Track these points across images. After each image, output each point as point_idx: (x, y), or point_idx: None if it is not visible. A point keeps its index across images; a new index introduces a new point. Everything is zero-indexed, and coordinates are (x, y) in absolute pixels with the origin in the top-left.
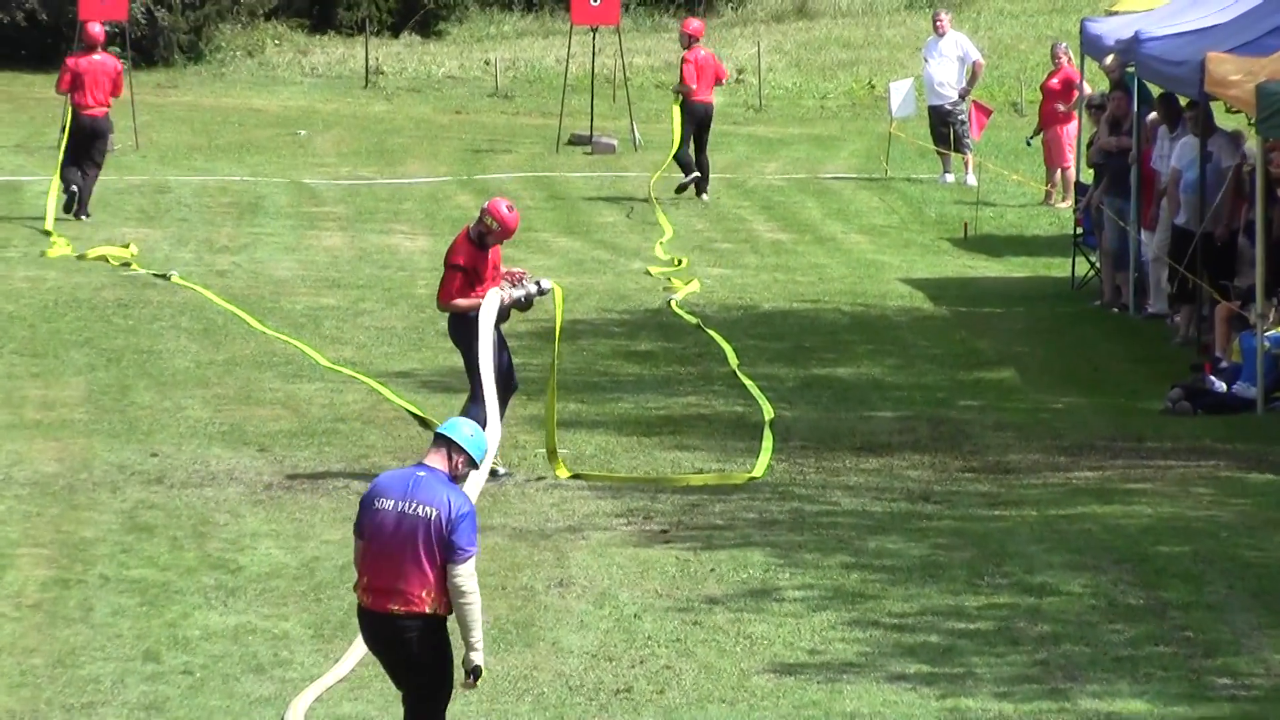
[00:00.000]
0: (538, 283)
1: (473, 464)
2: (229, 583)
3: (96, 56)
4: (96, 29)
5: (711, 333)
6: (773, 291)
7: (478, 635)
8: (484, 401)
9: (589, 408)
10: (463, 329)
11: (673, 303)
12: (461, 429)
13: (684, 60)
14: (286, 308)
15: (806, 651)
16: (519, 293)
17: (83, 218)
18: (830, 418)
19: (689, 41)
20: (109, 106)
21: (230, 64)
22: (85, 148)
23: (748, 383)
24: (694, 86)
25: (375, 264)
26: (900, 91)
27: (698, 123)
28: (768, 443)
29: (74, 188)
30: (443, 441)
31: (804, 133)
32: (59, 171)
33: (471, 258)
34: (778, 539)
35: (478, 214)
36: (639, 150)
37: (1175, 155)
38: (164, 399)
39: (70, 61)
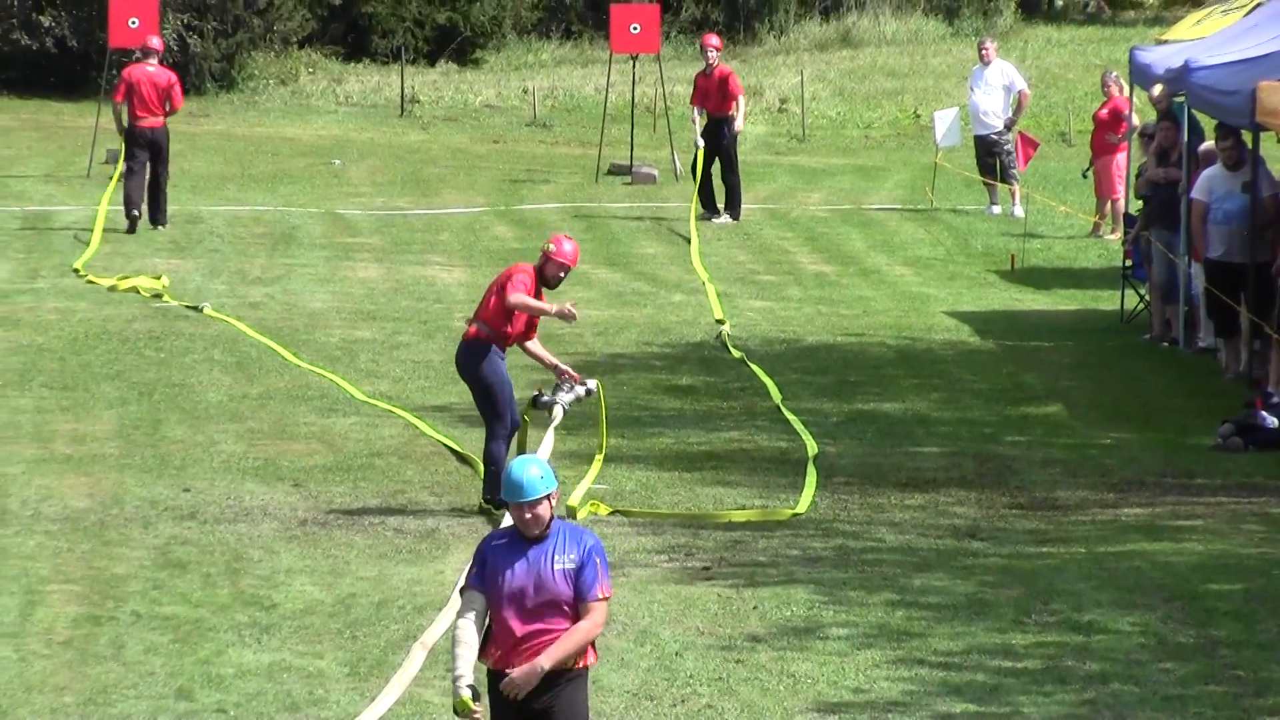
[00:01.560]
0: (585, 385)
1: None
2: (263, 620)
3: (150, 68)
4: (155, 41)
5: (754, 367)
6: (816, 325)
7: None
8: (505, 439)
9: (630, 443)
10: (475, 362)
11: (724, 333)
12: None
13: (733, 74)
14: (321, 340)
15: (851, 690)
16: (568, 397)
17: (160, 226)
18: (875, 453)
19: (716, 57)
20: (165, 117)
21: (263, 92)
22: (145, 160)
23: (791, 418)
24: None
25: (411, 296)
26: (945, 121)
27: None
28: (811, 479)
29: (135, 213)
30: None
31: (848, 163)
32: (111, 198)
33: (535, 287)
34: (821, 576)
35: (545, 256)
36: (680, 180)
37: (1197, 187)
38: (196, 433)
39: (126, 72)
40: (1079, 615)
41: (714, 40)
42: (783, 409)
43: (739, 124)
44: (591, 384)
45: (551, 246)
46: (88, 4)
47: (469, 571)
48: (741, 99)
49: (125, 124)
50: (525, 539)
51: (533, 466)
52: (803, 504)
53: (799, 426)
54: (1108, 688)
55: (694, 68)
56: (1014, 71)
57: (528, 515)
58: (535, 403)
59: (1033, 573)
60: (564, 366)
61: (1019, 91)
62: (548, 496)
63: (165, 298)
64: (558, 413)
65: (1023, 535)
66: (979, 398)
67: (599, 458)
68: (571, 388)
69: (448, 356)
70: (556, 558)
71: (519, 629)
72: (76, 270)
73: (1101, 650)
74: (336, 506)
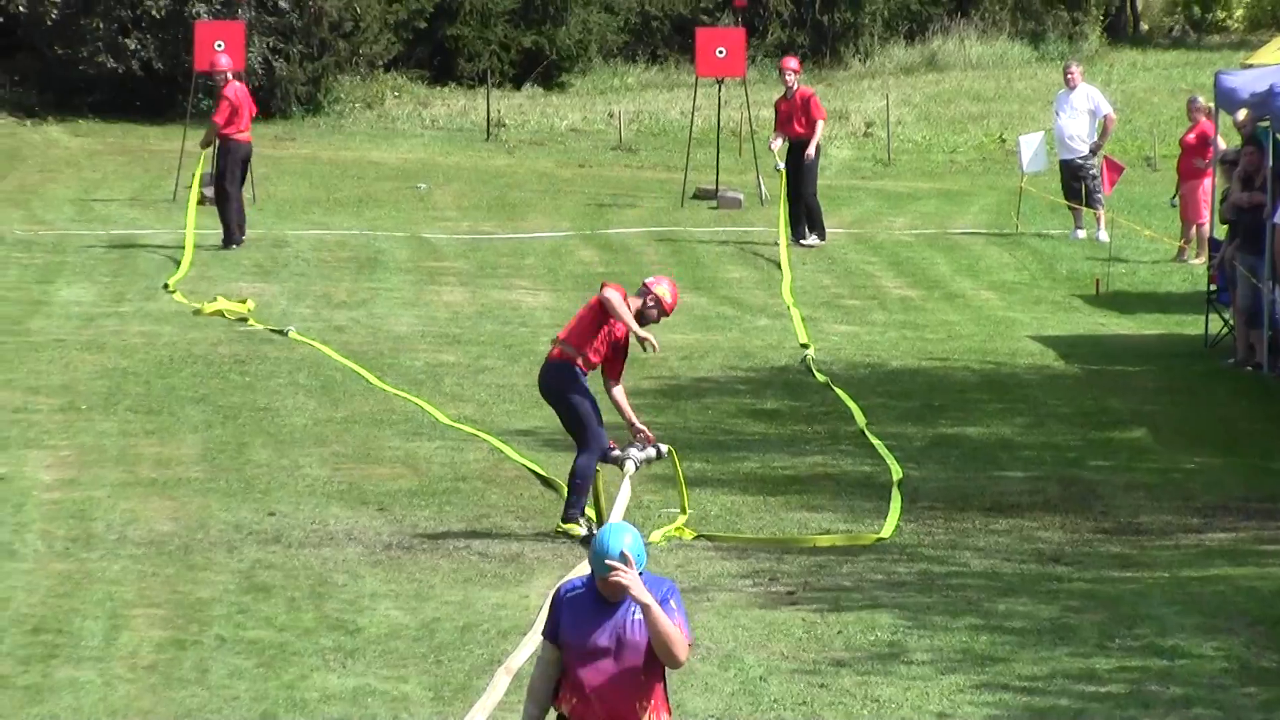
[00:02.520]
0: (657, 448)
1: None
2: (348, 644)
3: (238, 84)
4: (226, 60)
5: (839, 391)
6: (901, 349)
7: None
8: (595, 452)
9: (714, 467)
10: (559, 382)
11: (808, 357)
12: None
13: (814, 96)
14: (406, 364)
15: (935, 715)
16: (641, 455)
17: (233, 246)
18: (959, 478)
19: (797, 81)
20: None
21: (349, 116)
22: (238, 174)
23: (875, 442)
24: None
25: (497, 320)
26: (1030, 145)
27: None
28: (896, 503)
29: (234, 246)
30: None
31: (933, 187)
32: (197, 215)
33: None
34: (906, 601)
35: (646, 293)
36: (765, 205)
37: (1278, 212)
38: (281, 457)
39: (228, 91)
40: (1162, 640)
41: (792, 63)
42: (867, 433)
43: (809, 150)
44: (664, 447)
45: (667, 294)
46: (174, 27)
47: (546, 620)
48: (821, 124)
49: (205, 140)
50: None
51: (626, 536)
52: (887, 528)
53: (883, 451)
54: (1191, 712)
55: (779, 91)
56: (1099, 96)
57: (611, 591)
58: (605, 456)
59: (1117, 597)
60: (640, 425)
61: (1104, 116)
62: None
63: (250, 321)
64: (629, 468)
65: (1107, 560)
66: (1063, 422)
67: (682, 519)
68: (644, 447)
69: (533, 380)
70: (635, 609)
71: (596, 680)
72: (166, 286)
73: (1185, 675)
74: (421, 530)
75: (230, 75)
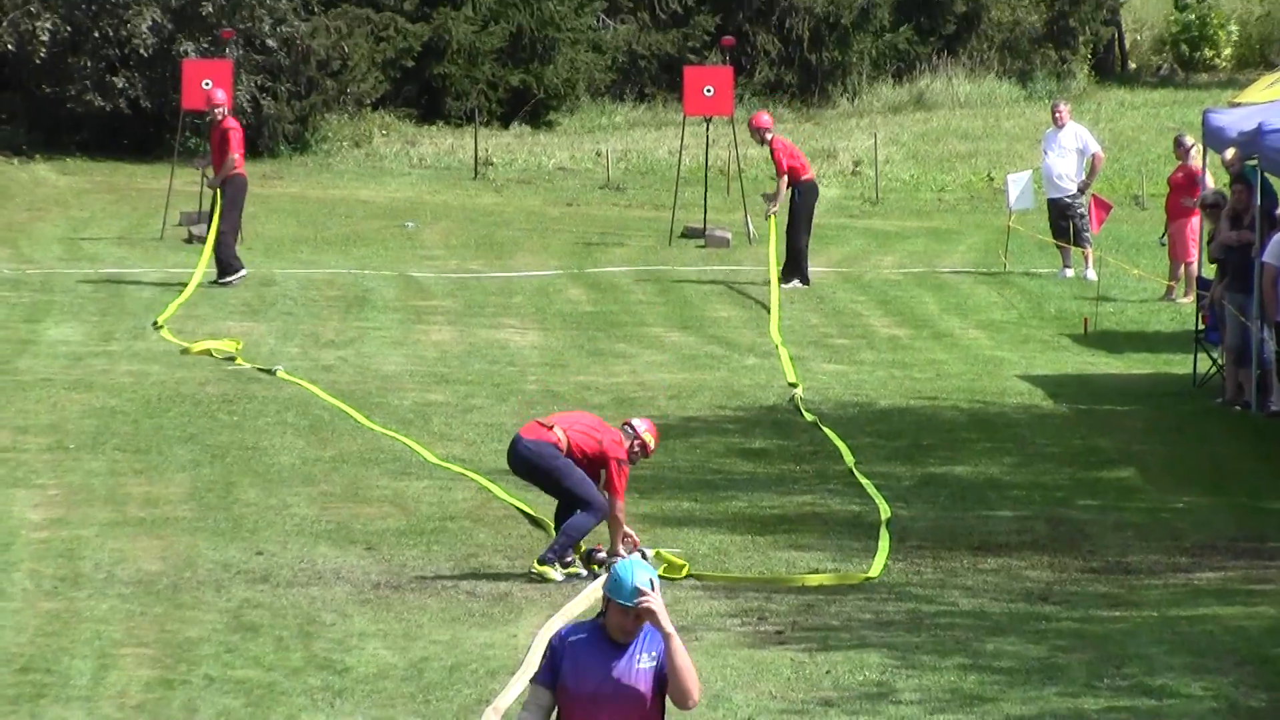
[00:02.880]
0: (643, 552)
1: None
2: (336, 684)
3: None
4: (221, 95)
5: (827, 430)
6: (889, 388)
7: None
8: (597, 514)
9: (703, 506)
10: (547, 460)
11: (797, 396)
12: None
13: (777, 147)
14: (394, 403)
15: None
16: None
17: (243, 271)
18: (948, 517)
19: (764, 135)
20: None
21: (337, 154)
22: (240, 208)
23: (864, 481)
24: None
25: (485, 359)
26: (1018, 184)
27: (811, 205)
28: (884, 542)
29: (241, 272)
30: None
31: (921, 225)
32: (213, 256)
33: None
34: (894, 640)
35: (633, 436)
36: (754, 244)
37: (1268, 251)
38: (269, 496)
39: (234, 124)
40: (1151, 679)
41: (760, 120)
42: (855, 472)
43: (773, 207)
44: (649, 552)
45: (651, 441)
46: (161, 65)
47: (540, 665)
48: (782, 181)
49: (218, 179)
50: (610, 640)
51: (647, 574)
52: (876, 568)
53: (872, 490)
54: None
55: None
56: (1087, 134)
57: (630, 625)
58: (590, 557)
59: (1105, 636)
60: (626, 529)
61: (1092, 154)
62: None
63: (238, 360)
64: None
65: (1095, 599)
66: (1051, 461)
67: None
68: (630, 551)
69: (521, 420)
70: (639, 657)
71: None
72: (156, 324)
73: (1173, 714)
74: (409, 570)
75: (227, 111)
